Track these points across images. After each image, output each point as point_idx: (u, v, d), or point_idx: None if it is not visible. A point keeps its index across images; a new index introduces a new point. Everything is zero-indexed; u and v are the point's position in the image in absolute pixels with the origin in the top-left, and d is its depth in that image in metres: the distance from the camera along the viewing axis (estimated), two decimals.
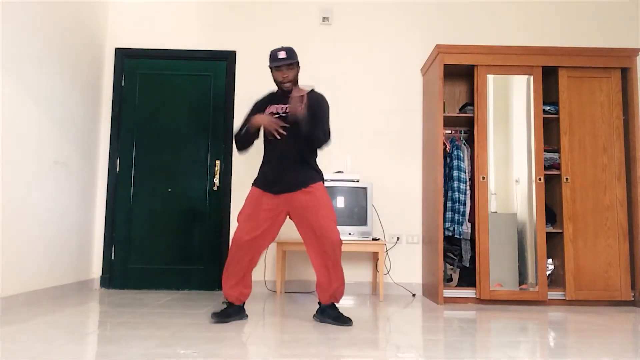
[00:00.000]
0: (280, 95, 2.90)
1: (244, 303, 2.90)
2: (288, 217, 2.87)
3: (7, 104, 3.05)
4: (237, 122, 4.33)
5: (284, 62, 2.80)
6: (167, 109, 4.37)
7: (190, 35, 4.43)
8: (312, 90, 2.92)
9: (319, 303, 2.87)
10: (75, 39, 3.88)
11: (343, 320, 2.75)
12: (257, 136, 2.87)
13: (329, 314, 2.80)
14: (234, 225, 4.24)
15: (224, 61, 4.42)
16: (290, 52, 2.82)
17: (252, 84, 4.38)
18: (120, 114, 4.35)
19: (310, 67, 4.37)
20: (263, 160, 2.92)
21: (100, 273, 4.22)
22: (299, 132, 2.71)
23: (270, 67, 2.86)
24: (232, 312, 2.82)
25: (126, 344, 2.23)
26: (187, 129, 4.35)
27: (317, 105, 2.83)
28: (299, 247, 3.87)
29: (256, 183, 2.87)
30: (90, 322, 2.76)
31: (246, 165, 4.30)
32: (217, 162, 4.32)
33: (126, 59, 4.41)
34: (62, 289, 3.68)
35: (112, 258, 4.24)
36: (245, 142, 2.86)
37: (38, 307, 3.16)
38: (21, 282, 3.21)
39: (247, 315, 2.93)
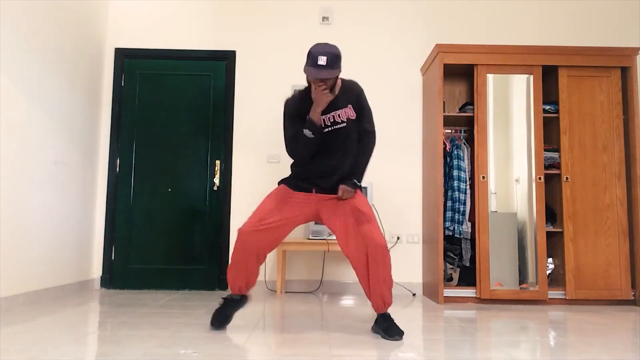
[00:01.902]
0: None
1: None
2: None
3: (7, 104, 3.05)
4: (237, 122, 4.33)
5: (320, 76, 2.35)
6: (167, 109, 4.37)
7: (190, 35, 4.43)
8: (346, 81, 2.59)
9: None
10: (75, 39, 3.88)
11: (391, 333, 2.42)
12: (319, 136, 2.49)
13: (380, 325, 2.50)
14: (234, 225, 4.24)
15: (224, 61, 4.42)
16: (333, 59, 2.35)
17: (252, 84, 4.38)
18: (120, 114, 4.35)
19: None
20: (302, 169, 2.60)
21: (100, 273, 4.22)
22: (344, 138, 2.54)
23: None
24: (230, 309, 2.61)
25: (126, 344, 2.23)
26: (187, 129, 4.35)
27: (360, 106, 2.58)
28: (299, 247, 3.87)
29: (288, 183, 2.61)
30: (90, 322, 2.76)
31: (246, 166, 4.30)
32: (217, 162, 4.32)
33: (126, 59, 4.41)
34: (62, 289, 3.68)
35: (112, 258, 4.24)
36: (311, 147, 2.48)
37: (38, 307, 3.16)
38: (21, 282, 3.21)
39: (248, 299, 2.68)
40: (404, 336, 2.45)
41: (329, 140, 2.53)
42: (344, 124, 2.52)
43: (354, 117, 2.55)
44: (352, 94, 2.56)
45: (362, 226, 2.47)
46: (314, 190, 2.57)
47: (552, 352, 2.21)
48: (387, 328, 2.46)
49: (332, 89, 2.47)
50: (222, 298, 2.65)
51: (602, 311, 3.43)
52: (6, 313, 2.93)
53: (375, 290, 2.48)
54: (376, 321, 2.55)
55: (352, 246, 2.49)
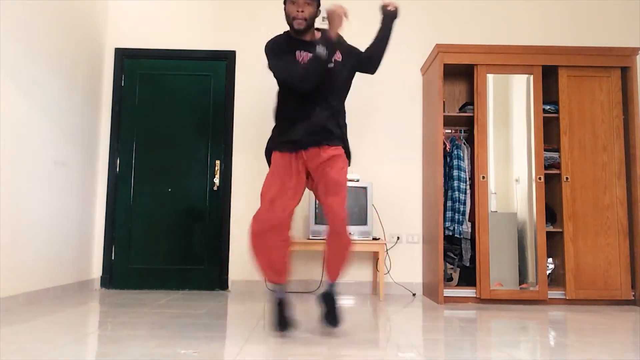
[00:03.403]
0: (307, 42, 2.52)
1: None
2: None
3: (7, 104, 3.05)
4: (237, 122, 4.32)
5: None
6: (167, 109, 4.36)
7: (190, 35, 4.43)
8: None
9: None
10: (75, 39, 3.88)
11: (328, 319, 2.47)
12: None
13: (323, 304, 2.51)
14: (234, 225, 4.24)
15: (224, 61, 4.41)
16: None
17: (252, 84, 4.38)
18: (120, 114, 4.35)
19: None
20: (281, 116, 2.56)
21: (100, 273, 4.22)
22: (330, 80, 2.48)
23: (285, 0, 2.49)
24: (287, 310, 2.51)
25: (126, 344, 2.23)
26: (187, 129, 4.35)
27: (347, 48, 2.62)
28: (298, 246, 3.86)
29: (275, 145, 2.52)
30: (90, 322, 2.76)
31: (246, 165, 4.30)
32: (217, 162, 4.32)
33: (126, 59, 4.41)
34: (62, 289, 3.68)
35: (112, 258, 4.23)
36: (319, 70, 2.38)
37: (38, 307, 3.16)
38: (21, 282, 3.21)
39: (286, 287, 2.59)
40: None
41: None
42: (332, 64, 2.48)
43: (340, 59, 2.54)
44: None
45: (328, 198, 2.44)
46: (299, 151, 2.48)
47: (552, 352, 2.21)
48: (327, 313, 2.47)
49: (309, 28, 2.50)
50: (277, 299, 2.55)
51: (602, 311, 3.43)
52: (6, 313, 2.93)
53: (330, 260, 2.47)
54: (324, 295, 2.51)
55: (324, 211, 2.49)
